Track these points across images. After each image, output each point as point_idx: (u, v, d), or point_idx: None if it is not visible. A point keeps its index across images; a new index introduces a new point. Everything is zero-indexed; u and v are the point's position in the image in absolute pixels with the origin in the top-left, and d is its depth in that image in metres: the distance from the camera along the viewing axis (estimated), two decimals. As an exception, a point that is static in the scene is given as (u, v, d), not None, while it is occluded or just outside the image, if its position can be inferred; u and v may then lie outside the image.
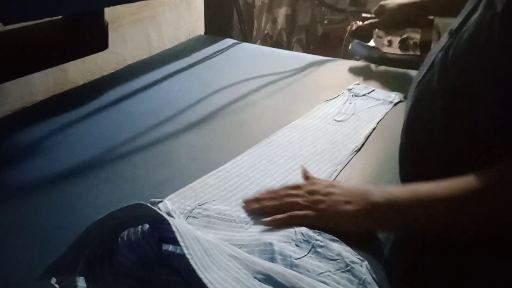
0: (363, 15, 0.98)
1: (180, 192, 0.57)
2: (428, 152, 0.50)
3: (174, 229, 0.33)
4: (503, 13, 0.41)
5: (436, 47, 0.55)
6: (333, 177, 0.61)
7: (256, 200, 0.52)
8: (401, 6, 0.91)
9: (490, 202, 0.41)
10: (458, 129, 0.46)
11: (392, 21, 0.95)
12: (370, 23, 0.97)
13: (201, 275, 0.31)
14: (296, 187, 0.51)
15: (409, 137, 0.54)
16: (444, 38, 0.55)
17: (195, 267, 0.32)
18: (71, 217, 0.53)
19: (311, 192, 0.49)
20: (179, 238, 0.33)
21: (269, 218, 0.48)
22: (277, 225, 0.47)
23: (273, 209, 0.49)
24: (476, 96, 0.44)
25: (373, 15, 0.98)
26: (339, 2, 1.75)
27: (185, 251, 0.32)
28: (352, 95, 0.87)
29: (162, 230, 0.38)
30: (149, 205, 0.37)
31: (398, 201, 0.45)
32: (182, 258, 0.34)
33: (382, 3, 0.94)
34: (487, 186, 0.40)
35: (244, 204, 0.53)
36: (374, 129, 0.75)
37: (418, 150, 0.52)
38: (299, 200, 0.49)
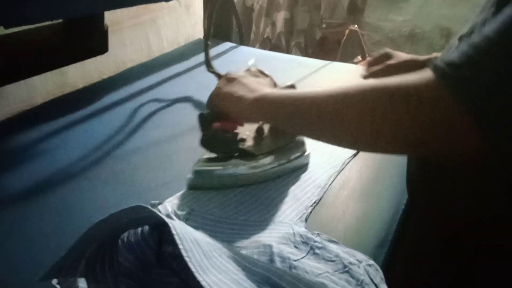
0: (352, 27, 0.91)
1: (179, 195, 0.57)
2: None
3: (173, 232, 0.34)
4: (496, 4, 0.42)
5: (446, 52, 0.57)
6: (332, 179, 0.62)
7: None
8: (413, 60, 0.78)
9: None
10: None
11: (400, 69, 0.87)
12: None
13: (199, 278, 0.32)
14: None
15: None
16: (454, 42, 0.56)
17: (193, 269, 0.32)
18: (71, 219, 0.53)
19: (229, 79, 0.57)
20: (177, 241, 0.34)
21: None
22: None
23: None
24: None
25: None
26: (336, 11, 1.76)
27: (184, 254, 0.33)
28: None
29: (162, 231, 0.38)
30: (149, 207, 0.37)
31: (283, 95, 0.47)
32: (181, 260, 0.35)
33: (388, 50, 0.82)
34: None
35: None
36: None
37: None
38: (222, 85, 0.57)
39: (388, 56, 0.79)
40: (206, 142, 0.58)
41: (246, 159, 0.59)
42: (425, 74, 0.36)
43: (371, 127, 0.38)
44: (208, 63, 0.90)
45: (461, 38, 0.54)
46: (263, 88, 0.52)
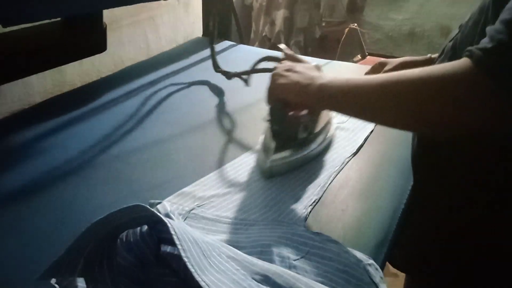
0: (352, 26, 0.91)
1: (178, 194, 0.57)
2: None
3: (172, 232, 0.34)
4: None
5: (447, 40, 0.58)
6: (331, 178, 0.62)
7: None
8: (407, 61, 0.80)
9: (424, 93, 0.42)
10: None
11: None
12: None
13: (198, 278, 0.31)
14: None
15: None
16: (455, 32, 0.57)
17: (192, 270, 0.32)
18: (69, 218, 0.53)
19: (288, 70, 0.58)
20: (176, 241, 0.34)
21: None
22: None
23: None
24: None
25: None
26: (336, 9, 1.76)
27: (182, 254, 0.32)
28: None
29: (161, 230, 0.38)
30: (148, 206, 0.37)
31: (344, 83, 0.50)
32: (180, 259, 0.34)
33: (381, 60, 0.83)
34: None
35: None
36: (372, 131, 0.75)
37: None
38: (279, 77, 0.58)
39: (382, 65, 0.80)
40: (280, 133, 0.62)
41: (307, 141, 0.66)
42: (462, 62, 0.39)
43: (419, 112, 0.42)
44: (215, 64, 0.93)
45: (461, 27, 0.55)
46: (319, 75, 0.55)
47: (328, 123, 0.71)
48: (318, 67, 0.62)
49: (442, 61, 0.57)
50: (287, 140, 0.63)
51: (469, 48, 0.39)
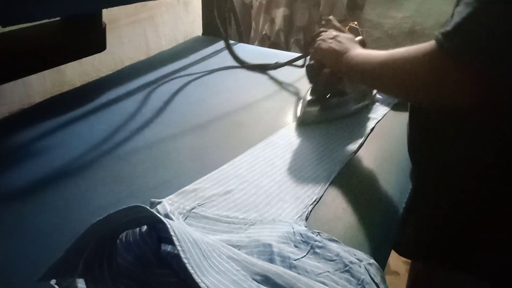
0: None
1: (179, 193, 0.57)
2: (439, 122, 0.58)
3: (172, 233, 0.34)
4: None
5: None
6: (332, 177, 0.61)
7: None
8: None
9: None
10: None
11: None
12: None
13: (197, 280, 0.31)
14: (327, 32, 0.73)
15: (416, 116, 0.63)
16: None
17: (191, 271, 0.32)
18: (69, 218, 0.53)
19: (332, 38, 0.70)
20: (176, 242, 0.33)
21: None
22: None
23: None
24: None
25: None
26: (335, 7, 1.75)
27: (182, 255, 0.32)
28: None
29: (161, 230, 0.38)
30: (148, 207, 0.37)
31: (364, 57, 0.60)
32: (180, 260, 0.34)
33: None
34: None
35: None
36: (372, 129, 0.75)
37: (428, 121, 0.60)
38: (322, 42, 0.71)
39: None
40: (314, 89, 0.77)
41: (339, 104, 0.77)
42: (428, 44, 0.45)
43: (400, 85, 0.52)
44: (237, 58, 1.03)
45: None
46: (353, 47, 0.66)
47: (365, 95, 0.81)
48: (361, 41, 0.72)
49: None
50: (320, 97, 0.76)
51: (436, 32, 0.45)
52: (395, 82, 0.53)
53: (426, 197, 0.63)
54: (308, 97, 0.76)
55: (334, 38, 0.70)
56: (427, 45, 0.46)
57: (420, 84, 0.48)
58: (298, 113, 0.77)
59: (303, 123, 0.75)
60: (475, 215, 0.57)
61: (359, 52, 0.63)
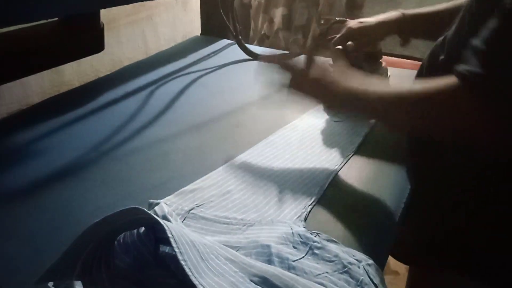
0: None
1: (177, 194, 0.57)
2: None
3: (169, 235, 0.33)
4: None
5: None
6: (331, 178, 0.61)
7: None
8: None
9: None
10: None
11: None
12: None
13: (195, 282, 0.31)
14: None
15: None
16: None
17: (189, 273, 0.32)
18: (67, 219, 0.53)
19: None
20: (173, 244, 0.33)
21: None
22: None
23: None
24: None
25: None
26: (334, 7, 1.75)
27: (180, 257, 0.32)
28: None
29: (159, 230, 0.38)
30: (145, 209, 0.36)
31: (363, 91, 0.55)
32: (178, 261, 0.34)
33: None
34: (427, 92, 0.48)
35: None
36: (371, 129, 0.75)
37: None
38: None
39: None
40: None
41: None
42: (452, 82, 0.45)
43: (419, 122, 0.50)
44: (251, 53, 1.06)
45: (444, 39, 0.56)
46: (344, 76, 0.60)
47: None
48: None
49: (431, 58, 0.60)
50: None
51: (459, 69, 0.44)
52: (414, 118, 0.50)
53: (425, 197, 0.63)
54: None
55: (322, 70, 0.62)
56: (451, 82, 0.45)
57: (443, 120, 0.47)
58: None
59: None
60: (475, 215, 0.57)
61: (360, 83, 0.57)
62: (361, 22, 0.78)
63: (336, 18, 0.84)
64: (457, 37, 0.55)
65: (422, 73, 0.64)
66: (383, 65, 0.88)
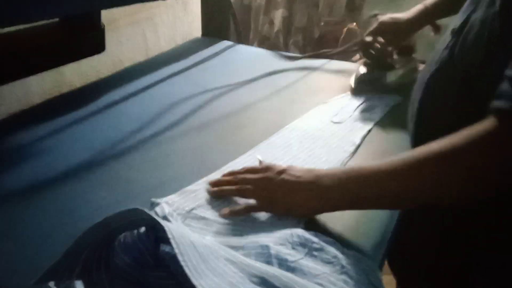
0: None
1: (178, 194, 0.57)
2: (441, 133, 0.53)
3: (169, 236, 0.34)
4: (500, 11, 0.43)
5: (440, 45, 0.58)
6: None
7: (217, 183, 0.57)
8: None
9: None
10: (469, 116, 0.47)
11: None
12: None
13: (195, 282, 0.31)
14: (253, 170, 0.55)
15: (420, 126, 0.62)
16: (447, 37, 0.57)
17: (189, 274, 0.32)
18: (68, 219, 0.53)
19: (263, 179, 0.52)
20: (174, 245, 0.34)
21: (227, 211, 0.52)
22: (234, 216, 0.52)
23: (229, 195, 0.55)
24: (485, 92, 0.44)
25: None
26: (334, 8, 1.75)
27: (180, 258, 0.32)
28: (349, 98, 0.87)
29: (159, 230, 0.38)
30: (145, 210, 0.37)
31: (348, 183, 0.48)
32: (178, 262, 0.34)
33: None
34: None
35: (209, 187, 0.57)
36: (370, 131, 0.75)
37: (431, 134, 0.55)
38: (252, 187, 0.52)
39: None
40: (368, 61, 0.87)
41: (389, 71, 0.86)
42: (489, 125, 0.39)
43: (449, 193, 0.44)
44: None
45: (453, 32, 0.55)
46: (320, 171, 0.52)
47: (412, 70, 0.88)
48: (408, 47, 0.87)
49: (440, 71, 0.57)
50: (371, 70, 0.86)
51: (496, 107, 0.39)
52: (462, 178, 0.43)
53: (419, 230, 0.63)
54: (361, 70, 0.86)
55: (281, 182, 0.51)
56: (487, 125, 0.40)
57: (490, 175, 0.41)
58: (352, 85, 0.87)
59: (356, 93, 0.86)
60: (474, 215, 0.57)
61: (334, 180, 0.49)
62: (392, 18, 0.81)
63: (374, 13, 0.89)
64: (473, 55, 0.51)
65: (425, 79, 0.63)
66: (414, 60, 0.92)
